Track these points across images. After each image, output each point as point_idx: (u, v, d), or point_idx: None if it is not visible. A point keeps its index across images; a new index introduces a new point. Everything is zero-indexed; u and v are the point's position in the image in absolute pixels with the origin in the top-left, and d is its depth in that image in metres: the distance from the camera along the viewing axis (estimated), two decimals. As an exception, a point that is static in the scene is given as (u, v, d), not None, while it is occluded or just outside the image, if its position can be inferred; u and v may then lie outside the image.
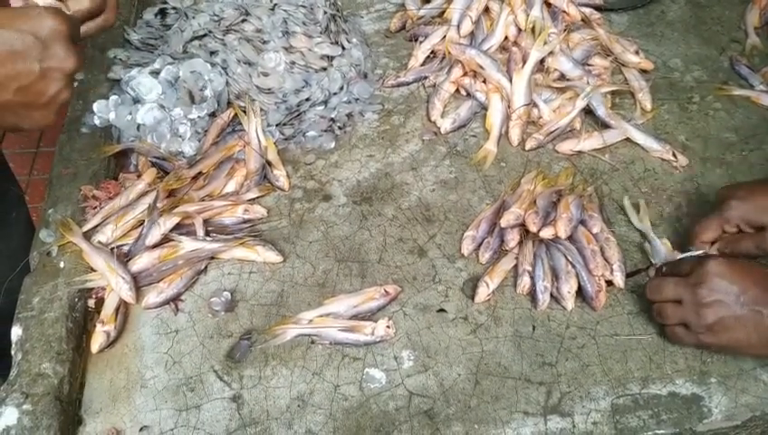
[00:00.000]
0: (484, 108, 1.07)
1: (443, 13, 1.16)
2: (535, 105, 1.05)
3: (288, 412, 0.76)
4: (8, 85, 0.61)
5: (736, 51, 1.17)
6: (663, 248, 0.87)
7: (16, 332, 0.79)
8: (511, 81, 1.05)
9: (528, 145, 1.02)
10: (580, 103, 1.03)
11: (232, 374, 0.79)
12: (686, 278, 0.75)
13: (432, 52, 1.15)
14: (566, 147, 1.02)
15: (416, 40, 1.17)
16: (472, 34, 1.12)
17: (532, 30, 1.08)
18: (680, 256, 0.83)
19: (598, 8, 1.19)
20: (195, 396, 0.77)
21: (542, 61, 1.07)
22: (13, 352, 0.78)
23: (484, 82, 1.07)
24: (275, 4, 1.07)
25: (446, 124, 1.05)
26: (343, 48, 1.09)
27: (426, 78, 1.12)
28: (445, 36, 1.13)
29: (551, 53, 1.07)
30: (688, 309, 0.74)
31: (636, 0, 1.25)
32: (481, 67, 1.06)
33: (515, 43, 1.09)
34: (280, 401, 0.77)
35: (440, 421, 0.75)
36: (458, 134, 1.06)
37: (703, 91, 1.10)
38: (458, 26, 1.12)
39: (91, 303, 0.84)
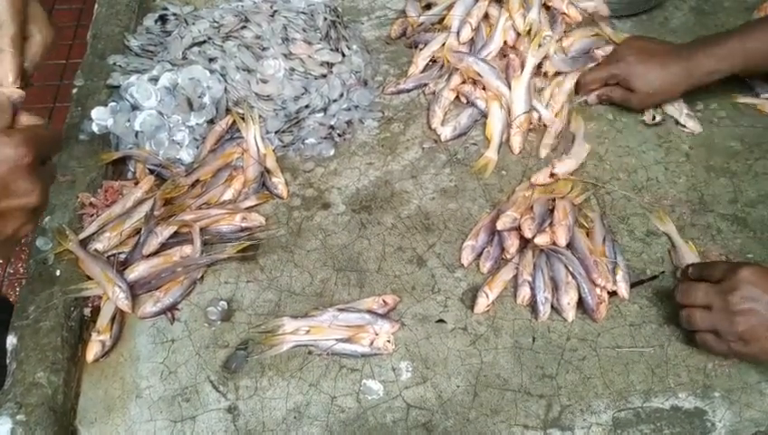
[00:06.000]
0: (485, 115, 1.06)
1: (443, 19, 1.16)
2: (535, 110, 1.04)
3: (284, 424, 0.75)
4: None
5: (740, 58, 1.16)
6: (688, 251, 0.87)
7: (11, 341, 0.78)
8: (510, 87, 1.04)
9: (542, 154, 1.01)
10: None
11: (228, 385, 0.78)
12: (718, 284, 0.74)
13: (432, 59, 1.14)
14: (541, 178, 0.96)
15: (416, 47, 1.16)
16: (472, 41, 1.11)
17: (529, 33, 1.07)
18: None
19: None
20: (190, 407, 0.77)
21: (539, 65, 1.06)
22: (7, 362, 0.77)
23: (485, 89, 1.07)
24: (275, 11, 1.07)
25: (446, 132, 1.04)
26: (343, 55, 1.08)
27: (426, 85, 1.12)
28: (444, 43, 1.12)
29: (546, 56, 1.06)
30: (719, 316, 0.73)
31: (638, 7, 1.23)
32: (479, 75, 1.05)
33: (513, 48, 1.09)
34: (276, 413, 0.76)
35: (438, 434, 0.74)
36: (459, 142, 1.05)
37: (707, 99, 1.09)
38: (458, 33, 1.11)
39: (87, 311, 0.84)
